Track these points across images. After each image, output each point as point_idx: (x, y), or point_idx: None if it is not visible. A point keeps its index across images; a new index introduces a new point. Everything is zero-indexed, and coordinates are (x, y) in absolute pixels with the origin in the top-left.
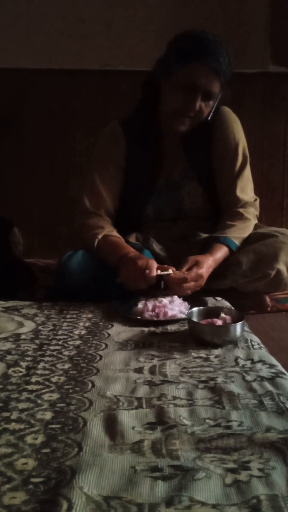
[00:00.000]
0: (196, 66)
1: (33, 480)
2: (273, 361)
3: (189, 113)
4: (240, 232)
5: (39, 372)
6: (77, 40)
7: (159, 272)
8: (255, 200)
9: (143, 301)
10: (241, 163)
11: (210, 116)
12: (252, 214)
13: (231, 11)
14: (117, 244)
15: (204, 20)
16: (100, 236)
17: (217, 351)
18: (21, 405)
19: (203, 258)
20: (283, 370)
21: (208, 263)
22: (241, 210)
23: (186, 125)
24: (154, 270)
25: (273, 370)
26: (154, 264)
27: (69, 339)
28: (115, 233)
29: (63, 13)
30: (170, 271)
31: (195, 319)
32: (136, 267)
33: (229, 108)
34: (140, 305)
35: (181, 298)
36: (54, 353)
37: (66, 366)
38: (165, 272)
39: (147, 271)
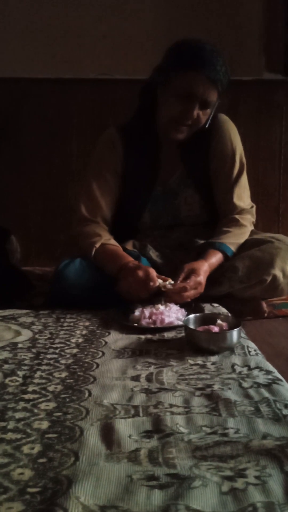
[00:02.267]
0: (194, 75)
1: (30, 490)
2: (270, 367)
3: (187, 121)
4: (235, 238)
5: (35, 381)
6: (73, 49)
7: (160, 282)
8: (252, 207)
9: (140, 309)
10: (238, 170)
11: (207, 124)
12: (248, 220)
13: (225, 19)
14: (115, 253)
15: (199, 27)
16: (97, 245)
17: (213, 358)
18: (18, 415)
19: (199, 265)
20: (279, 376)
21: (203, 269)
22: (237, 216)
23: (184, 133)
24: (156, 280)
25: (270, 377)
26: (154, 274)
27: (66, 347)
28: (112, 241)
29: (59, 22)
30: (169, 283)
31: (191, 326)
32: (136, 277)
33: (226, 116)
34: (137, 313)
35: (178, 305)
36: (51, 361)
37: (63, 374)
38: (166, 283)
39: (151, 283)
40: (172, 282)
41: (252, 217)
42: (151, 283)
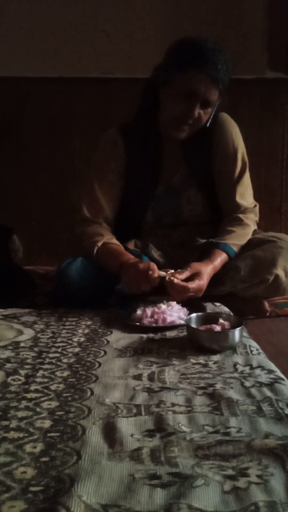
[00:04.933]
0: (195, 74)
1: (32, 488)
2: (272, 366)
3: (188, 120)
4: (239, 239)
5: (38, 380)
6: (75, 48)
7: (161, 273)
8: (255, 206)
9: (142, 308)
10: (240, 169)
11: (209, 123)
12: (251, 220)
13: (228, 17)
14: (117, 251)
15: (201, 26)
16: (99, 244)
17: (215, 357)
18: (20, 414)
19: (205, 268)
20: (282, 375)
21: (208, 273)
22: (241, 216)
23: (185, 132)
24: (156, 270)
25: (272, 376)
26: (155, 266)
27: (68, 346)
28: (114, 240)
29: (61, 21)
30: (170, 273)
31: (193, 325)
32: (137, 270)
33: (227, 115)
34: (139, 312)
35: (180, 304)
36: (53, 360)
37: (65, 373)
38: (167, 273)
39: (150, 272)
40: (172, 271)
41: (255, 216)
42: (150, 272)
